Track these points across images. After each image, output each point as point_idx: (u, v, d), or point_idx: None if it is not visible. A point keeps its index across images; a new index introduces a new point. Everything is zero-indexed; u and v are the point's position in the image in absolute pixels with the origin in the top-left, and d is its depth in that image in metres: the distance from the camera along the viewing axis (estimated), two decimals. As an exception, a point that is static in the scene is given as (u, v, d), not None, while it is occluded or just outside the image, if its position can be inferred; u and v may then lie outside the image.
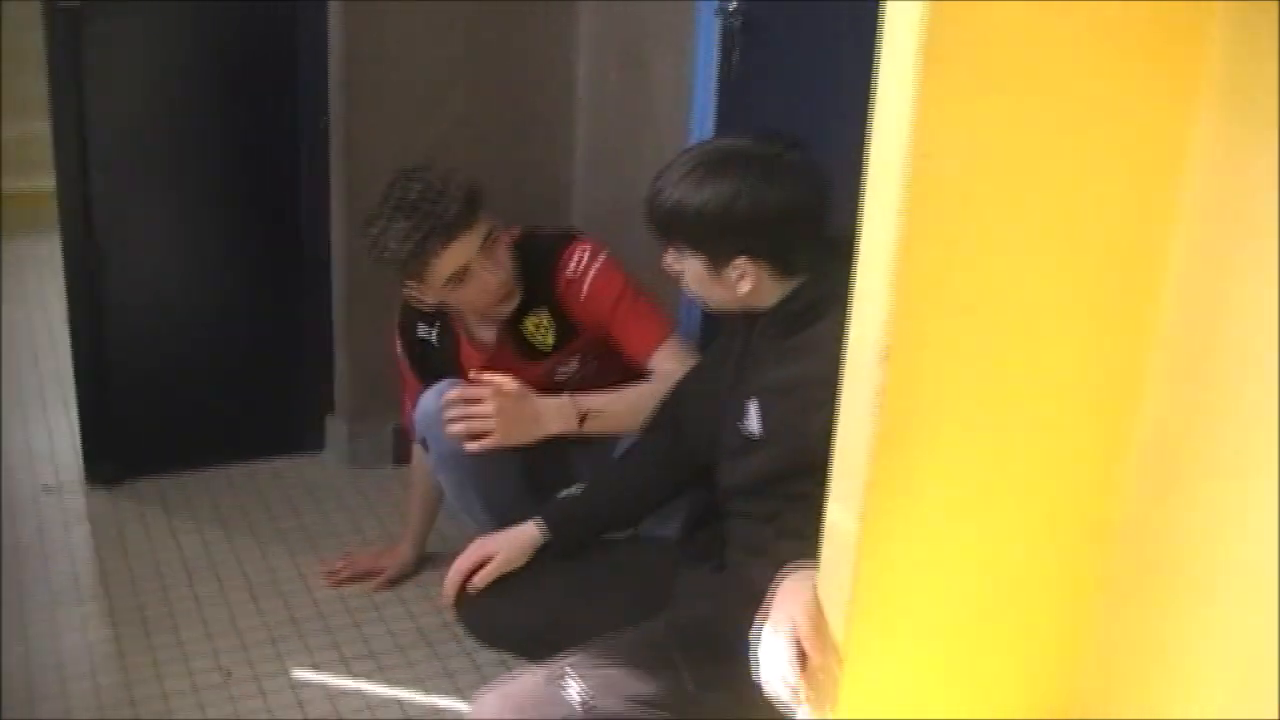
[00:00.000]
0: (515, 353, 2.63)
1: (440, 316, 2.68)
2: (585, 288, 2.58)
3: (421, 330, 2.72)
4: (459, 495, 2.65)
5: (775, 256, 1.98)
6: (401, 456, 3.43)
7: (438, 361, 2.70)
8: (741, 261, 1.97)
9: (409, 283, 2.54)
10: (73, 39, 2.98)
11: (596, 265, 2.58)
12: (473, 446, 2.38)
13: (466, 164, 3.22)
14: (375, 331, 3.33)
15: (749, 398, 2.05)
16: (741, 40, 2.77)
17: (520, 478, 2.67)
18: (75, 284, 3.19)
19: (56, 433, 3.56)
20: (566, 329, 2.62)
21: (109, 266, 3.18)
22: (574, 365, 2.67)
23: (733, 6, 2.75)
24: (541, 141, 3.42)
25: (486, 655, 2.70)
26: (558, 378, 2.65)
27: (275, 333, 3.43)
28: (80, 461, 3.34)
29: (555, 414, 2.43)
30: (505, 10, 3.26)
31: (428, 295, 2.55)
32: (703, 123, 2.92)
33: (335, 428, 3.50)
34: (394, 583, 2.95)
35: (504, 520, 2.39)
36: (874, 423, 1.36)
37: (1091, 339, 1.41)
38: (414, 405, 2.73)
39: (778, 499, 2.05)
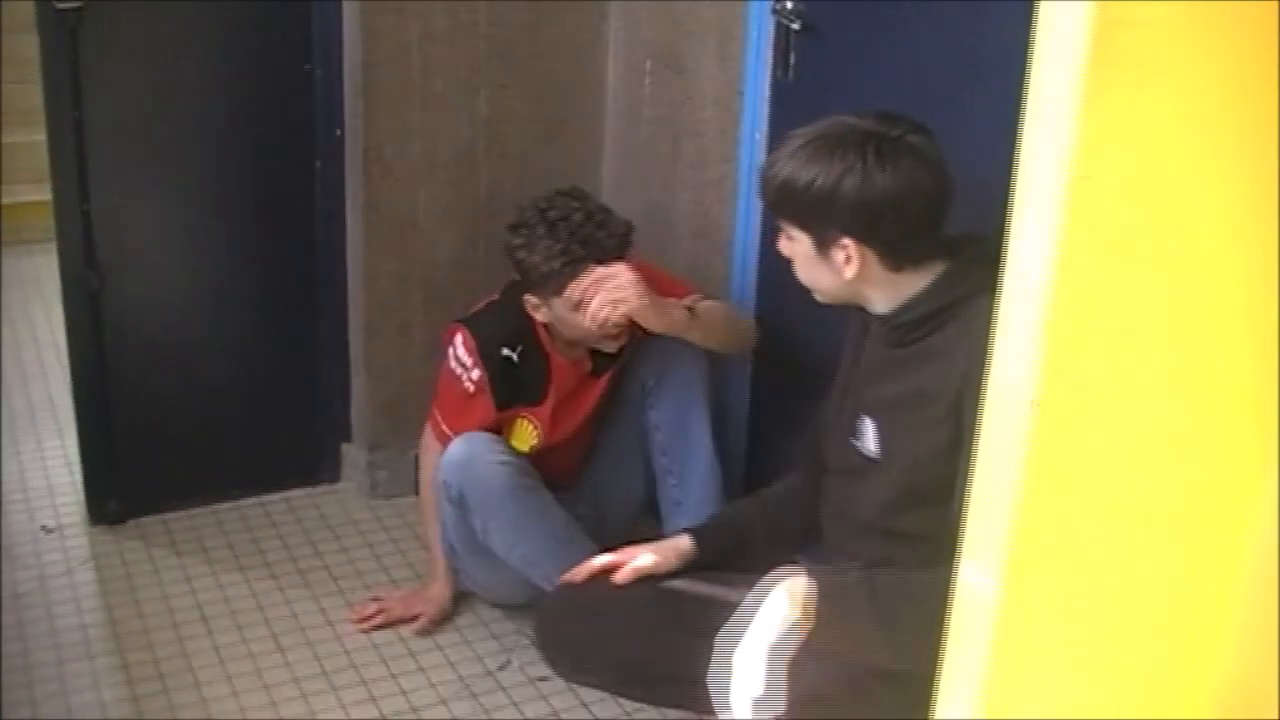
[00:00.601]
0: (590, 370, 2.70)
1: (524, 337, 2.62)
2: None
3: (505, 351, 2.60)
4: (513, 534, 2.52)
5: (884, 243, 1.87)
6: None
7: (522, 380, 2.63)
8: (848, 243, 1.85)
9: (534, 295, 2.54)
10: (70, 43, 2.75)
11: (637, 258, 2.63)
12: (604, 315, 2.41)
13: (490, 171, 3.08)
14: (396, 354, 3.14)
15: (863, 413, 1.92)
16: (799, 43, 2.57)
17: (560, 508, 2.60)
18: (74, 306, 2.95)
19: (53, 467, 3.33)
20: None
21: (110, 287, 2.95)
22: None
23: (790, 5, 2.56)
24: (569, 148, 3.22)
25: (536, 706, 2.53)
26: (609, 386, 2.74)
27: (289, 357, 3.21)
28: (82, 498, 3.10)
29: (671, 306, 2.51)
30: (531, 8, 3.06)
31: (542, 311, 2.56)
32: (752, 131, 2.73)
33: (353, 456, 3.29)
34: (433, 627, 2.74)
35: (562, 551, 2.43)
36: (1017, 477, 1.19)
37: (1240, 383, 1.24)
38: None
39: (889, 539, 1.90)
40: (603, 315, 2.41)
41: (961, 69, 2.25)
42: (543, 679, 2.55)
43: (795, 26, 2.55)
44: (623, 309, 2.41)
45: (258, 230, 3.10)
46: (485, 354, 2.58)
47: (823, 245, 1.88)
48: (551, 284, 2.47)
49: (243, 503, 3.19)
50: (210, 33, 2.92)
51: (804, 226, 1.90)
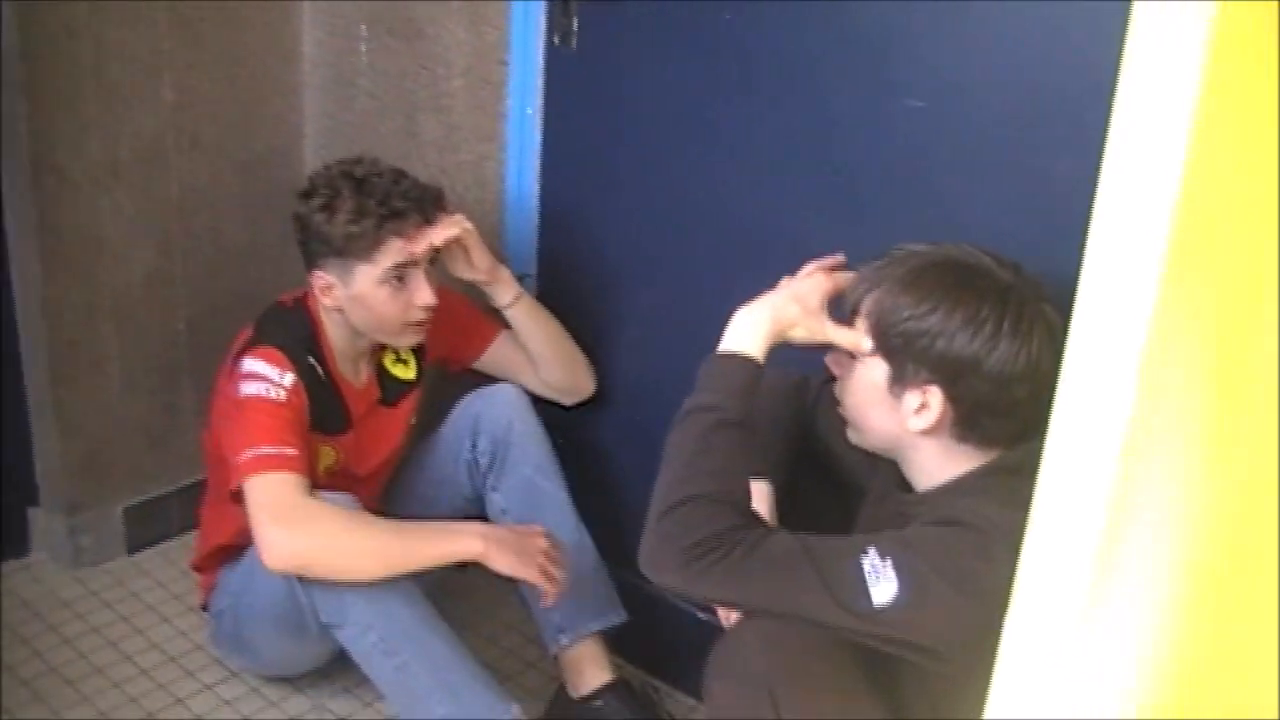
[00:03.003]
0: (380, 399, 2.34)
1: (315, 354, 2.19)
2: None
3: (310, 359, 2.17)
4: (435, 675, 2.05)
5: (970, 410, 1.57)
6: (138, 541, 2.75)
7: (325, 400, 2.20)
8: (934, 392, 1.56)
9: (325, 272, 2.14)
10: None
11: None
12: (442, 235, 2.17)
13: (182, 167, 2.63)
14: (91, 399, 2.64)
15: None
16: (584, 6, 2.28)
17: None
18: None
19: None
20: (420, 352, 2.37)
21: None
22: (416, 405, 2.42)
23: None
24: (268, 132, 2.77)
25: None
26: (412, 422, 2.41)
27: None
28: None
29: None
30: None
31: (335, 292, 2.15)
32: (523, 106, 2.41)
33: (45, 523, 2.72)
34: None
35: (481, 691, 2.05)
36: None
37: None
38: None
39: None
40: (441, 236, 2.16)
41: (805, 56, 2.03)
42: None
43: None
44: (456, 230, 2.17)
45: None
46: (294, 359, 2.13)
47: (899, 381, 1.58)
48: (359, 247, 2.09)
49: (-85, 603, 2.58)
50: None
51: (889, 354, 1.58)
